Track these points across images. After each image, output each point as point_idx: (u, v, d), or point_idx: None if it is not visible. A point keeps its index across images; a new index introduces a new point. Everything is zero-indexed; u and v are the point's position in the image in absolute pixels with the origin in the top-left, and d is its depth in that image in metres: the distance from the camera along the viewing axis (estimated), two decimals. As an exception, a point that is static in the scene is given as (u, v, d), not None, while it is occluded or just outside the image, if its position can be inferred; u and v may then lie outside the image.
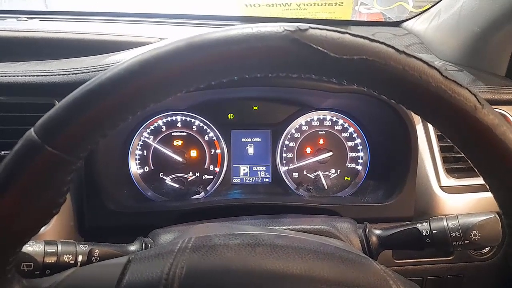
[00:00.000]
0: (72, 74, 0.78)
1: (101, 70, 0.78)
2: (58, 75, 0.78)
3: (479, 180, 0.40)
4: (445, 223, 0.65)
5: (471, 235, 0.64)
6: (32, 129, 0.34)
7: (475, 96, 0.35)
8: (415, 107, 0.37)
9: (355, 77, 0.36)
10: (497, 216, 0.65)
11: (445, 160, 0.90)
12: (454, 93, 0.34)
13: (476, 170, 0.38)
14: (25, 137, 0.34)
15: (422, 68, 0.34)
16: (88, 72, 0.78)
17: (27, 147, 0.33)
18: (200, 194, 0.96)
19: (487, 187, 0.38)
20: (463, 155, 0.38)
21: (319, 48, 0.33)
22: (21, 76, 0.77)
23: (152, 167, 0.96)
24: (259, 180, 1.01)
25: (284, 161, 1.00)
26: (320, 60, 0.34)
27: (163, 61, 0.34)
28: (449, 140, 0.38)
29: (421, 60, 0.35)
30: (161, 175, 0.96)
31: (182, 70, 0.34)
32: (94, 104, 0.33)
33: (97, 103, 0.33)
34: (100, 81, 0.34)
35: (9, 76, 0.77)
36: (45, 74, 0.78)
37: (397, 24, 1.39)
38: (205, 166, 0.98)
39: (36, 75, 0.77)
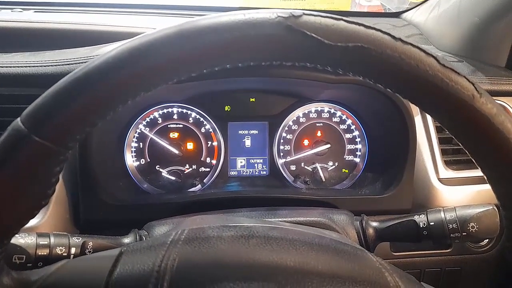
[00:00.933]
0: (65, 64, 0.77)
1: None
2: (51, 66, 0.77)
3: (478, 172, 0.39)
4: (442, 215, 0.65)
5: (468, 227, 0.63)
6: (18, 119, 0.33)
7: (473, 84, 0.34)
8: (412, 96, 0.36)
9: (350, 65, 0.35)
10: (495, 208, 0.65)
11: (443, 152, 0.89)
12: (452, 81, 0.33)
13: (474, 161, 0.37)
14: (12, 127, 0.33)
15: (418, 56, 0.33)
16: (81, 62, 0.77)
17: (14, 137, 0.32)
18: (197, 187, 0.95)
19: (485, 178, 0.38)
20: (461, 145, 0.37)
21: (313, 35, 0.32)
22: (13, 67, 0.76)
23: (148, 160, 0.95)
24: (256, 173, 1.01)
25: (282, 154, 0.99)
26: (314, 47, 0.33)
27: (153, 49, 0.33)
28: (447, 131, 0.37)
29: (418, 47, 0.34)
30: (157, 167, 0.95)
31: (173, 57, 0.33)
32: (81, 92, 0.32)
33: (85, 91, 0.32)
34: (88, 70, 0.33)
35: (1, 67, 0.76)
36: (38, 65, 0.77)
37: (397, 15, 1.37)
38: (202, 159, 0.97)
39: (29, 66, 0.76)
